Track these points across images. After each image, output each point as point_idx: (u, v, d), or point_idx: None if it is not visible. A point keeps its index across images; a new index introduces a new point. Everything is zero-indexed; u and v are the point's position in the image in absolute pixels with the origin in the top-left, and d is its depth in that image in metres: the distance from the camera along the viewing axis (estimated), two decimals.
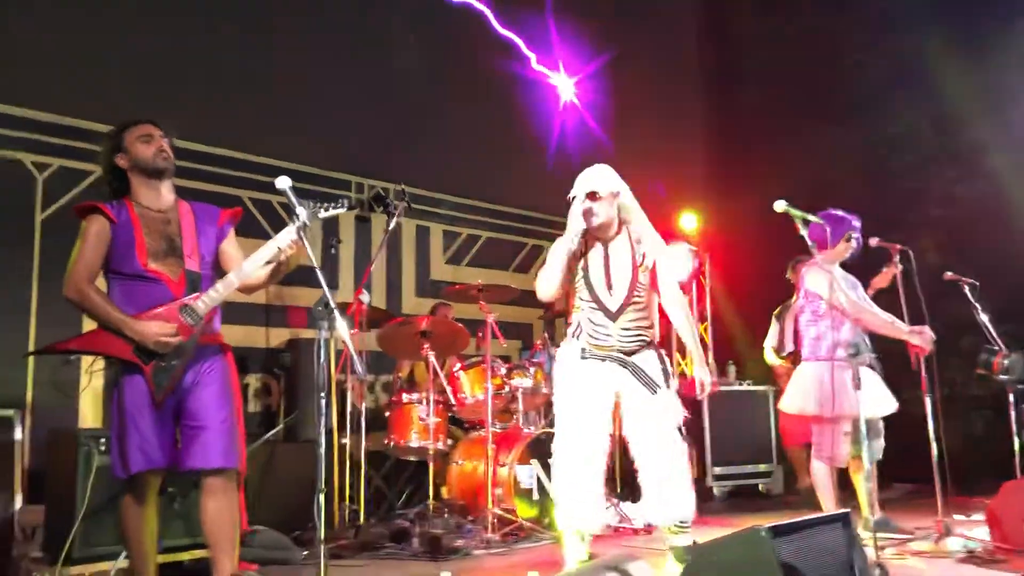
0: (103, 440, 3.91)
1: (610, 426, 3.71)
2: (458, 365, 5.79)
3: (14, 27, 5.23)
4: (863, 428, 3.88)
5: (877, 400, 4.60)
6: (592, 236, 3.79)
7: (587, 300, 3.75)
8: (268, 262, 3.27)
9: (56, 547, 3.80)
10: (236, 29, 6.24)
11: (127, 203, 3.34)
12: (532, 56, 8.17)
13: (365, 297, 5.49)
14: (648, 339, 3.78)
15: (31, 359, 5.16)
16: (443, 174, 7.41)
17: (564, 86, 8.64)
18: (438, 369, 5.54)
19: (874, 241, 4.92)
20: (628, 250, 3.79)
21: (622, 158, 8.59)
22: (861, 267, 4.99)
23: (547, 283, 3.74)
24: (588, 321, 3.74)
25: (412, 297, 7.36)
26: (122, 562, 3.82)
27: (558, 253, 3.70)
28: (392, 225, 5.66)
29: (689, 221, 9.17)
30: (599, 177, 3.78)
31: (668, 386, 3.75)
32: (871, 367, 4.64)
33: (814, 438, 4.66)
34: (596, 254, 3.78)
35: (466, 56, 7.57)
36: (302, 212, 3.10)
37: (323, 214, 3.25)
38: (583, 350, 3.74)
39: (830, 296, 4.58)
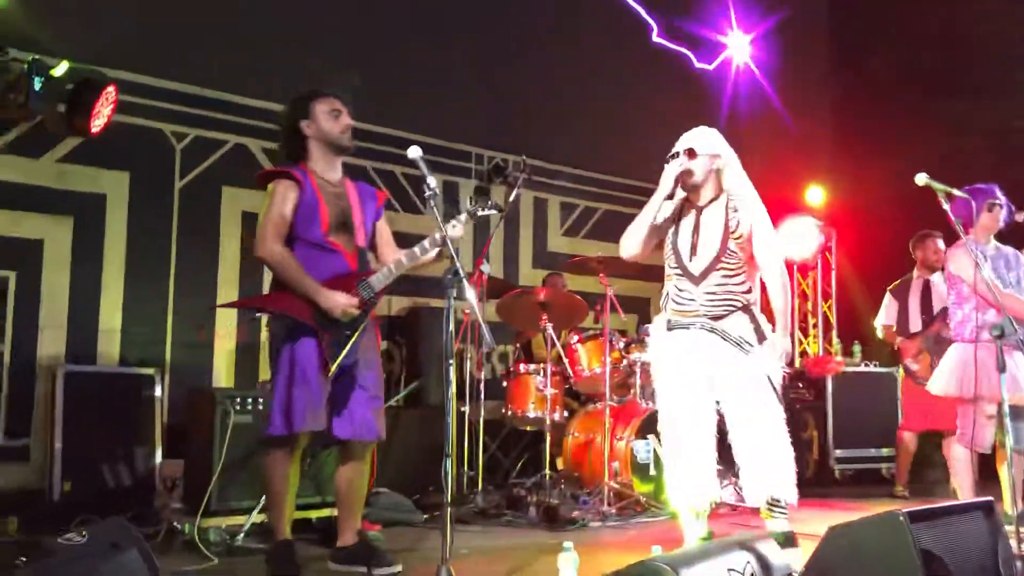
0: (238, 400, 4.09)
1: (711, 397, 3.58)
2: (576, 337, 5.78)
3: (151, 2, 5.44)
4: (1006, 412, 3.68)
5: None
6: (687, 201, 3.70)
7: (673, 267, 3.67)
8: (433, 249, 3.44)
9: (195, 499, 3.99)
10: (360, 4, 6.33)
11: (309, 172, 3.44)
12: (654, 26, 8.02)
13: (486, 268, 5.52)
14: (740, 304, 3.59)
15: (170, 321, 5.41)
16: (561, 146, 7.36)
17: (736, 46, 8.57)
18: (556, 340, 5.54)
19: (1020, 216, 4.64)
20: (722, 217, 3.64)
21: (750, 130, 8.43)
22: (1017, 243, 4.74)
23: (629, 241, 3.68)
24: (674, 288, 3.65)
25: (529, 268, 7.38)
26: (256, 516, 4.00)
27: (645, 212, 3.63)
28: (512, 197, 5.66)
29: (816, 195, 8.86)
30: (700, 136, 3.69)
31: (761, 345, 3.56)
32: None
33: (958, 421, 4.48)
34: (688, 220, 3.69)
35: (585, 26, 7.50)
36: (432, 180, 3.15)
37: (480, 213, 3.41)
38: (669, 321, 3.66)
39: (973, 280, 4.36)
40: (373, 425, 3.42)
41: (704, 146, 3.65)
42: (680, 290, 3.64)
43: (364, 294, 3.36)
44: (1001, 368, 3.66)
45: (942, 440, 5.79)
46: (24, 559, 2.37)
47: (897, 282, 6.35)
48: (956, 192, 4.05)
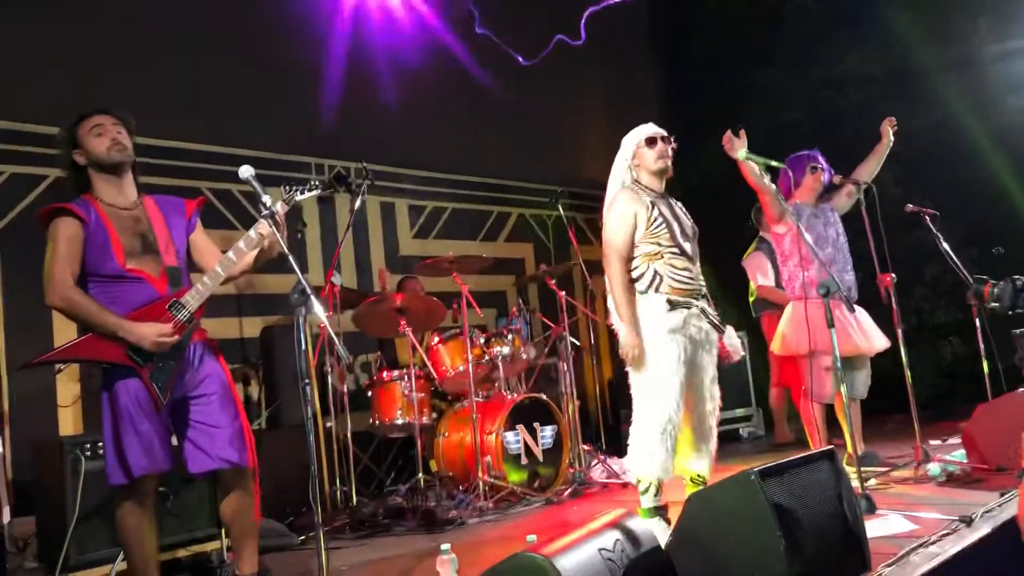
0: (88, 446, 3.89)
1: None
2: (436, 339, 5.80)
3: None
4: (838, 364, 3.94)
5: (862, 336, 4.68)
6: (654, 182, 3.86)
7: (668, 246, 3.71)
8: (250, 250, 3.24)
9: (51, 556, 3.77)
10: (178, 16, 6.10)
11: (93, 202, 3.21)
12: (476, 16, 8.03)
13: (337, 279, 5.48)
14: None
15: (3, 372, 5.08)
16: (402, 148, 7.33)
17: None
18: (417, 344, 5.54)
19: (837, 178, 4.95)
20: (679, 205, 3.94)
21: (581, 114, 8.60)
22: None
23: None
24: (670, 267, 3.70)
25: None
26: (119, 565, 3.81)
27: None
28: (357, 204, 5.61)
29: None
30: None
31: (725, 327, 3.90)
32: (850, 304, 4.67)
33: (803, 377, 4.74)
34: (661, 201, 3.82)
35: (409, 23, 7.49)
36: (267, 199, 3.05)
37: (298, 197, 3.22)
38: (668, 301, 3.68)
39: (790, 245, 4.72)
40: (230, 452, 3.20)
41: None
42: (679, 268, 3.71)
43: (180, 316, 3.17)
44: (830, 324, 3.93)
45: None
46: None
47: (753, 246, 6.50)
48: (774, 163, 4.32)
